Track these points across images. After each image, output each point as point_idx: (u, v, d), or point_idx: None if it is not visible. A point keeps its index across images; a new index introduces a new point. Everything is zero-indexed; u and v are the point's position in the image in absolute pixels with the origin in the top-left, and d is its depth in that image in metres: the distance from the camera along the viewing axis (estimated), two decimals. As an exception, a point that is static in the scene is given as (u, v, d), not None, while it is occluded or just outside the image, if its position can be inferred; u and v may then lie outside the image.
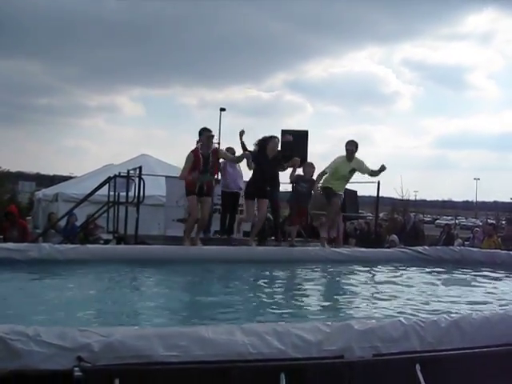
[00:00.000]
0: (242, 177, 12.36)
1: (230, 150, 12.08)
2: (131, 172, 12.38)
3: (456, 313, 4.77)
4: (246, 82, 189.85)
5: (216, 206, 12.79)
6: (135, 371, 3.21)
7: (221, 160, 12.20)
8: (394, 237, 15.13)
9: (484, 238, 14.02)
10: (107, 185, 12.41)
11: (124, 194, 12.33)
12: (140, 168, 11.84)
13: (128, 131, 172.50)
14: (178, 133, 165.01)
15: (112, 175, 12.51)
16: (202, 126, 9.84)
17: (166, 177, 13.01)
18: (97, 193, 12.62)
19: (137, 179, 11.80)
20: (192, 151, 9.46)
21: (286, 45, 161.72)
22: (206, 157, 9.49)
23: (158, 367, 3.25)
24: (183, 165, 9.62)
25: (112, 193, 12.53)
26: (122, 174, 12.56)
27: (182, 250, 8.65)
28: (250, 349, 3.42)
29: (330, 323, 3.78)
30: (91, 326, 3.59)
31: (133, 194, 11.91)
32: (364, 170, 10.27)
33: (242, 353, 3.41)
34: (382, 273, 8.30)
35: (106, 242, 12.44)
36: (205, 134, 9.56)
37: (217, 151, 9.93)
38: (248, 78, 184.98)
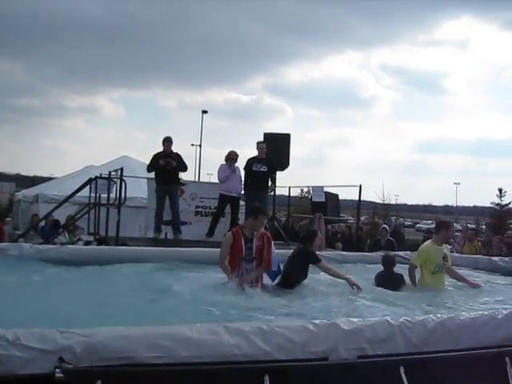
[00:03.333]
0: (242, 181, 12.38)
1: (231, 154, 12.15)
2: (112, 173, 12.29)
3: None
4: (226, 84, 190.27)
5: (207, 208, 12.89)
6: (118, 373, 3.15)
7: (222, 162, 12.22)
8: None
9: (465, 242, 14.07)
10: (88, 186, 12.32)
11: (105, 195, 12.24)
12: (121, 169, 11.76)
13: (108, 133, 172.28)
14: (158, 135, 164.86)
15: (93, 176, 12.43)
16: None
17: (148, 179, 12.94)
18: (78, 194, 12.51)
19: (118, 181, 11.72)
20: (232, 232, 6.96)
21: (265, 48, 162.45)
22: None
23: (142, 368, 3.19)
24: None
25: (93, 194, 12.45)
26: (103, 176, 12.48)
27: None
28: (235, 350, 3.38)
29: (317, 322, 3.74)
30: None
31: (114, 196, 11.83)
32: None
33: (226, 354, 3.37)
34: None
35: (87, 243, 12.32)
36: (260, 218, 6.87)
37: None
38: (228, 80, 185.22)
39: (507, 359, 4.16)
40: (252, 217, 6.86)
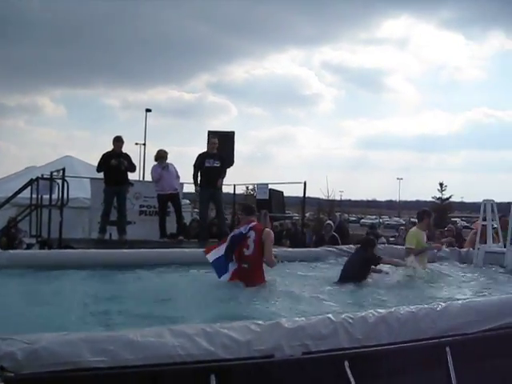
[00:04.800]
0: (179, 178, 12.35)
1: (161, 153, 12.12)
2: (54, 174, 12.08)
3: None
4: (169, 83, 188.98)
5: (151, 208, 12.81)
6: (62, 378, 3.09)
7: (154, 163, 12.17)
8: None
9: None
10: (30, 187, 12.08)
11: (47, 196, 12.02)
12: (63, 170, 11.58)
13: (50, 132, 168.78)
14: (101, 134, 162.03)
15: (34, 177, 12.19)
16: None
17: (91, 179, 12.78)
18: (19, 195, 12.27)
19: (60, 181, 11.53)
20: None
21: (208, 46, 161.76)
22: None
23: (86, 373, 3.14)
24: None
25: (35, 195, 12.21)
26: (44, 176, 12.25)
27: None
28: (180, 351, 3.37)
29: (260, 322, 3.76)
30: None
31: (56, 197, 11.64)
32: None
33: (171, 355, 3.35)
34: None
35: (29, 246, 12.10)
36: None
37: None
38: (171, 79, 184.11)
39: (447, 349, 4.31)
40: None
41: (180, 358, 3.37)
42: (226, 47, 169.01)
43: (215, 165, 11.90)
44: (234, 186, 15.92)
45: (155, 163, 12.22)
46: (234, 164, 13.72)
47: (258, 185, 15.36)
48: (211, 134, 13.49)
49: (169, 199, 12.18)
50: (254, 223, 6.80)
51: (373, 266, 7.80)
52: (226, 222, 13.40)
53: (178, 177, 12.43)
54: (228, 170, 12.47)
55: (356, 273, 7.47)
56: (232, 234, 6.95)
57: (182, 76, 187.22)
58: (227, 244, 6.79)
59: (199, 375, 3.39)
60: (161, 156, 12.22)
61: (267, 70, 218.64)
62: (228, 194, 15.48)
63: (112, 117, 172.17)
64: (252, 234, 6.66)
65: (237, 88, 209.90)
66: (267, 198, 14.14)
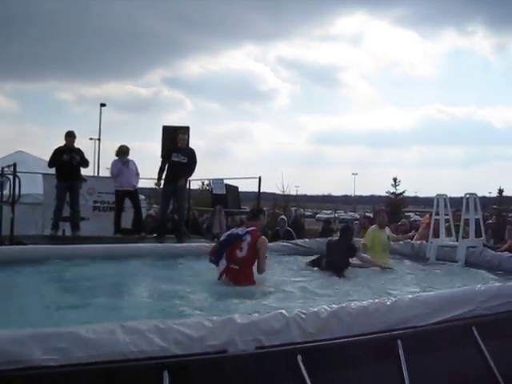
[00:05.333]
0: (138, 175, 12.26)
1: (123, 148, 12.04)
2: (5, 169, 11.86)
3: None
4: (123, 77, 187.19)
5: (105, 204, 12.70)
6: (10, 378, 3.05)
7: (115, 158, 12.05)
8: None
9: (360, 229, 14.63)
10: (-21, 183, 11.84)
11: (-2, 192, 11.80)
12: (14, 165, 11.38)
13: (1, 127, 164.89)
14: (55, 129, 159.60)
15: (-16, 173, 11.95)
16: None
17: (43, 174, 12.58)
18: (-32, 192, 12.00)
19: (11, 177, 11.33)
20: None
21: (163, 41, 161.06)
22: None
23: (36, 371, 3.09)
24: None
25: (-15, 192, 11.96)
26: (-5, 172, 12.02)
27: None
28: (132, 347, 3.35)
29: (212, 318, 3.77)
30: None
31: (8, 193, 11.43)
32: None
33: (124, 352, 3.33)
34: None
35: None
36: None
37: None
38: (126, 73, 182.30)
39: (399, 342, 4.37)
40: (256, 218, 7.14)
41: (133, 354, 3.35)
42: (181, 42, 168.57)
43: (182, 160, 11.74)
44: (189, 181, 15.87)
45: (116, 158, 12.10)
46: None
47: (213, 180, 15.33)
48: (166, 129, 13.41)
49: (126, 195, 12.10)
50: (252, 228, 6.87)
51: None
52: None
53: (137, 174, 12.37)
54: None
55: (341, 261, 7.87)
56: (229, 232, 7.04)
57: (137, 71, 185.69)
58: (222, 239, 6.92)
59: (152, 372, 3.38)
60: (122, 151, 12.13)
61: (223, 65, 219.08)
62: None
63: (66, 111, 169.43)
64: (248, 237, 6.72)
65: (192, 83, 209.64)
66: (224, 192, 14.13)
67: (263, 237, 6.92)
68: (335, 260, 7.85)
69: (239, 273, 6.59)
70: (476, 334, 4.90)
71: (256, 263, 6.70)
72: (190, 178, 12.86)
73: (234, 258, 6.64)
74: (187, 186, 12.49)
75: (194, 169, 11.92)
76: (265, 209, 28.45)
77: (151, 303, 6.05)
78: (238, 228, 7.10)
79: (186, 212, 13.79)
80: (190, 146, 12.30)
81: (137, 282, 7.34)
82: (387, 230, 9.61)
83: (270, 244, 9.86)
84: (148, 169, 15.88)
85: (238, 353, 3.67)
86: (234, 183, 15.08)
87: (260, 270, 6.72)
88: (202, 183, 30.69)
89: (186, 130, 13.43)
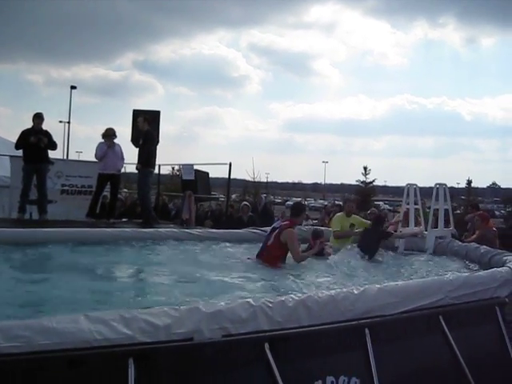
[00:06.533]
0: (123, 159, 12.10)
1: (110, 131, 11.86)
2: (-29, 152, 11.65)
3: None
4: (94, 60, 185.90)
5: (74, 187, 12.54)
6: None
7: (101, 140, 11.86)
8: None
9: (330, 217, 14.67)
10: None
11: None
12: (-20, 147, 11.18)
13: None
14: (24, 111, 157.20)
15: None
16: None
17: (10, 156, 12.37)
18: None
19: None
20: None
21: (135, 25, 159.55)
22: None
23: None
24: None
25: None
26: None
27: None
28: (97, 336, 3.29)
29: (178, 307, 3.72)
30: None
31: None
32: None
33: (88, 340, 3.27)
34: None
35: None
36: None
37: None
38: (96, 56, 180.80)
39: (366, 330, 4.41)
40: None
41: (97, 342, 3.29)
42: (153, 26, 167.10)
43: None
44: (159, 165, 15.77)
45: (102, 141, 11.90)
46: (160, 144, 13.48)
47: (183, 165, 15.23)
48: (136, 113, 13.27)
49: (109, 179, 11.93)
50: (286, 222, 7.67)
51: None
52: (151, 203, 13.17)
53: (122, 158, 12.17)
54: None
55: (375, 247, 8.62)
56: (274, 225, 7.93)
57: (108, 54, 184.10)
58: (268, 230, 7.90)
59: (117, 359, 3.33)
60: (108, 134, 11.92)
61: (195, 50, 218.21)
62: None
63: (35, 93, 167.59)
64: (278, 229, 7.48)
65: (164, 67, 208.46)
66: (193, 178, 14.05)
67: (289, 229, 7.44)
68: (371, 246, 8.59)
69: (267, 256, 7.37)
70: (443, 322, 4.95)
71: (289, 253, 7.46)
72: (160, 163, 12.76)
73: (266, 245, 7.51)
74: (150, 171, 12.16)
75: (147, 152, 11.76)
76: (234, 195, 28.43)
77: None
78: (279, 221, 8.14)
79: (155, 197, 13.69)
80: (161, 130, 12.21)
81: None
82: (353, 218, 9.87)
83: (238, 230, 9.91)
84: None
85: (204, 341, 3.63)
86: (205, 169, 14.99)
87: (294, 259, 7.45)
88: (173, 168, 30.55)
89: (155, 114, 13.34)
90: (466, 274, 6.17)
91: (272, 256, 7.32)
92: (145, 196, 12.17)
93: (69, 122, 43.82)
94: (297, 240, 7.51)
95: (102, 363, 3.32)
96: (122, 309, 3.76)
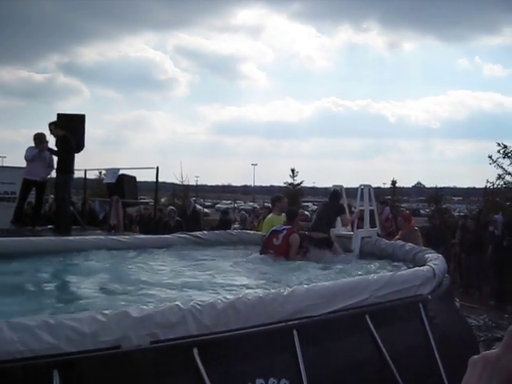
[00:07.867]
0: (51, 167, 11.75)
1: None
2: None
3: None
4: (16, 62, 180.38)
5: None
6: None
7: (31, 145, 11.48)
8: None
9: (259, 219, 14.79)
10: None
11: None
12: None
13: None
14: None
15: None
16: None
17: None
18: None
19: None
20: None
21: (59, 26, 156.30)
22: None
23: None
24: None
25: None
26: None
27: None
28: (20, 346, 3.19)
29: (105, 312, 3.64)
30: None
31: None
32: None
33: (10, 352, 3.16)
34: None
35: None
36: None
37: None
38: (18, 58, 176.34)
39: (294, 331, 4.43)
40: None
41: (20, 354, 3.19)
42: (78, 28, 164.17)
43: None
44: (85, 170, 15.49)
45: (32, 145, 11.54)
46: (86, 148, 13.20)
47: (107, 169, 15.01)
48: (60, 116, 12.96)
49: (34, 186, 11.62)
50: (289, 226, 8.69)
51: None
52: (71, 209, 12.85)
53: (50, 166, 11.81)
54: (78, 154, 12.01)
55: (332, 220, 9.28)
56: (274, 228, 8.76)
57: (31, 56, 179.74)
58: (267, 233, 8.81)
59: (42, 372, 3.23)
60: (38, 138, 11.52)
61: (121, 52, 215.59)
62: (78, 179, 15.00)
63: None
64: (284, 232, 8.50)
65: (90, 70, 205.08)
66: (114, 181, 13.84)
67: (295, 234, 8.55)
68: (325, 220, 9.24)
69: (278, 252, 8.32)
70: (369, 321, 5.03)
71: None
72: (86, 168, 12.51)
73: (271, 245, 8.45)
74: (70, 176, 11.87)
75: (64, 159, 11.47)
76: (164, 199, 28.14)
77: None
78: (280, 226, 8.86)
79: (81, 203, 13.40)
80: (87, 134, 11.96)
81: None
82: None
83: (166, 236, 9.83)
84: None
85: (131, 348, 3.58)
86: (132, 173, 14.80)
87: (289, 256, 8.34)
88: (100, 173, 30.02)
89: (80, 117, 13.10)
90: (391, 273, 6.30)
91: (283, 250, 8.32)
92: (62, 202, 11.85)
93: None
94: (297, 244, 8.46)
95: (26, 376, 3.21)
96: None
